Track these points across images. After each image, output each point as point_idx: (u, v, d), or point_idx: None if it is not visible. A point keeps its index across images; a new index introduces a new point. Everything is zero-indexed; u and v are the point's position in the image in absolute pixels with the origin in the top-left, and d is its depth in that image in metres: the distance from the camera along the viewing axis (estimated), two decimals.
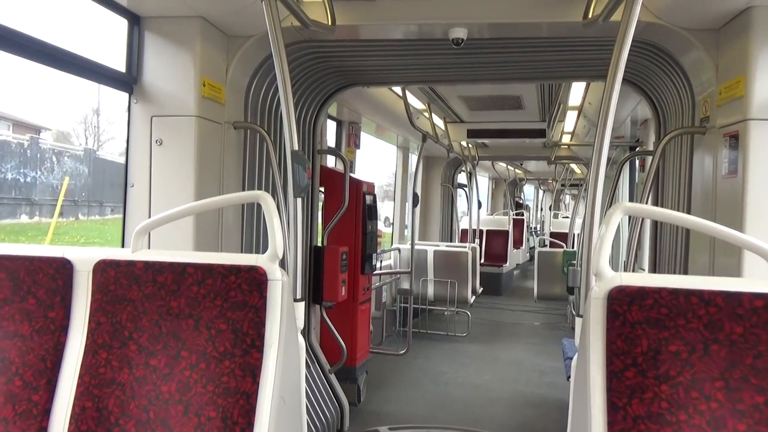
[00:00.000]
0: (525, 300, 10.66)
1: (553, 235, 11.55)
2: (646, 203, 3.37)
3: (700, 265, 3.03)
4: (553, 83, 5.29)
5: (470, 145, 8.87)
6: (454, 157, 9.05)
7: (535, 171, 14.61)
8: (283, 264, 3.03)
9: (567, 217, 16.07)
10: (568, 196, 19.88)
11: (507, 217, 12.13)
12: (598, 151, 2.05)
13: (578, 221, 9.24)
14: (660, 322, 1.51)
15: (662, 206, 3.63)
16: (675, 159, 3.50)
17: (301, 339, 2.04)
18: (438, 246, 8.16)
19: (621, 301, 1.53)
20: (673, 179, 3.50)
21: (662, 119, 3.80)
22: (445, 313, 8.07)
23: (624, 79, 3.67)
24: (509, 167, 13.36)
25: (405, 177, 8.45)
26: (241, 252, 3.50)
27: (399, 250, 7.76)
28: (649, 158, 5.36)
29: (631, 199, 7.12)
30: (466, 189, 9.61)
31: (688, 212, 3.22)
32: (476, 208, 9.47)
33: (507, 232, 11.66)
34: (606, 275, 1.59)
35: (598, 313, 1.56)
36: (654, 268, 3.75)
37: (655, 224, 3.77)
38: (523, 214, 14.89)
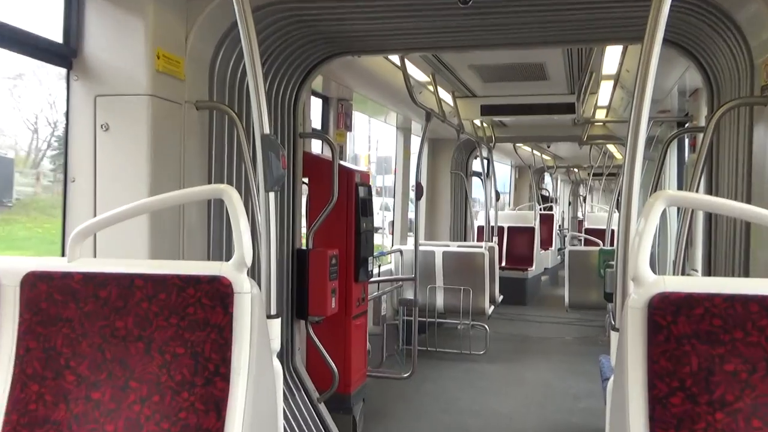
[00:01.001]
0: (555, 310, 10.69)
1: (588, 231, 11.55)
2: (696, 191, 3.36)
3: (765, 265, 3.01)
4: (582, 48, 5.26)
5: (485, 125, 8.86)
6: (466, 140, 9.04)
7: (566, 156, 14.59)
8: (254, 273, 3.00)
9: (605, 211, 16.10)
10: (593, 186, 19.81)
11: (533, 211, 12.11)
12: (634, 128, 2.03)
13: (617, 216, 9.20)
14: (713, 336, 1.50)
15: (716, 194, 3.61)
16: (731, 136, 3.48)
17: (277, 364, 2.04)
18: (448, 246, 8.16)
19: (664, 310, 1.52)
20: (730, 161, 3.48)
21: (715, 88, 3.78)
22: (458, 327, 8.08)
23: (667, 41, 3.65)
24: (534, 152, 13.34)
25: (407, 164, 8.45)
26: (208, 259, 3.48)
27: (401, 252, 7.75)
28: (701, 136, 5.33)
29: (680, 186, 7.10)
30: (482, 177, 9.63)
31: (748, 201, 3.19)
32: (494, 200, 9.47)
33: (533, 229, 11.65)
34: (646, 280, 1.57)
35: (637, 325, 1.54)
36: (708, 270, 3.73)
37: (710, 216, 3.75)
38: (551, 209, 14.87)
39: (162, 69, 3.05)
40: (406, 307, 7.08)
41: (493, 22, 3.77)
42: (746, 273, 3.20)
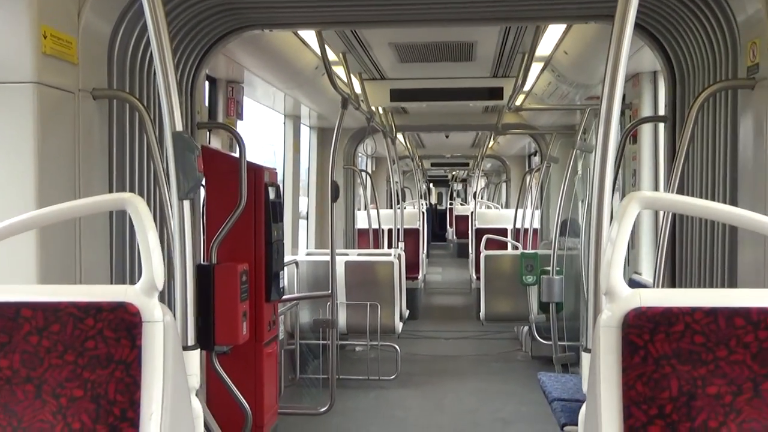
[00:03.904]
0: (456, 323, 11.17)
1: (482, 232, 11.91)
2: (671, 190, 3.54)
3: (752, 274, 3.22)
4: (523, 27, 5.41)
5: (388, 112, 8.96)
6: (357, 130, 9.16)
7: (453, 145, 15.01)
8: (165, 297, 2.91)
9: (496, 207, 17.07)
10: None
11: (417, 210, 12.44)
12: (606, 118, 2.13)
13: (523, 213, 9.97)
14: (694, 356, 1.58)
15: (691, 193, 3.83)
16: (707, 126, 3.67)
17: (196, 404, 2.05)
18: (348, 255, 8.19)
19: (641, 328, 1.59)
20: (705, 154, 3.68)
21: (678, 72, 3.98)
22: (358, 348, 8.14)
23: (609, 17, 3.80)
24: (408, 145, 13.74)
25: (297, 158, 8.42)
26: (112, 283, 3.40)
27: (296, 263, 7.69)
28: (646, 127, 5.61)
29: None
30: (369, 173, 9.74)
31: (731, 200, 3.41)
32: (397, 199, 9.61)
33: (418, 231, 11.94)
34: (620, 294, 1.65)
35: (610, 346, 1.61)
36: (673, 279, 3.93)
37: (681, 219, 3.96)
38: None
39: (49, 51, 3.00)
40: (321, 328, 7.04)
41: None
42: (732, 284, 3.39)
